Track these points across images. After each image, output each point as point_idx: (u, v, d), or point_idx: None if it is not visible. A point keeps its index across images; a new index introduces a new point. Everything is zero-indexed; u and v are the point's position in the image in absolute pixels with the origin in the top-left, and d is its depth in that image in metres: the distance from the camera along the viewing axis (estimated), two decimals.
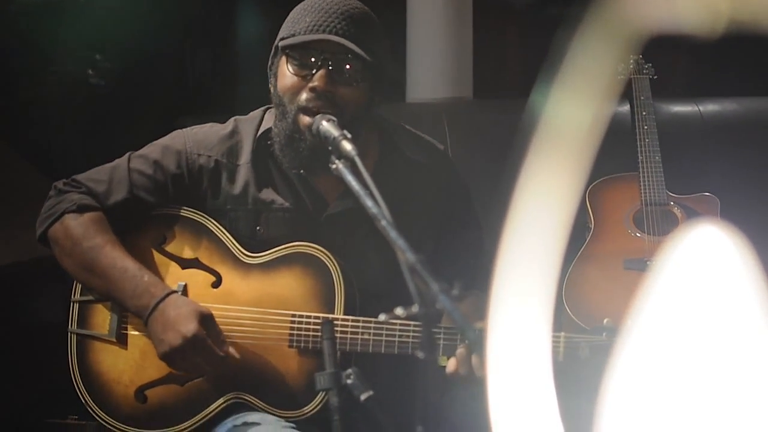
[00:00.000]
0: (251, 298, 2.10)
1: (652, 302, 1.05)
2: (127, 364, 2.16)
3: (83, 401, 2.18)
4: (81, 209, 2.15)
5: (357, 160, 1.78)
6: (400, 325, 1.99)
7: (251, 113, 2.24)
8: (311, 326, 2.04)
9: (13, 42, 4.64)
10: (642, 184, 2.93)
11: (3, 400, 3.36)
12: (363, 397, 1.68)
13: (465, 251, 2.24)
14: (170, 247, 2.17)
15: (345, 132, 1.88)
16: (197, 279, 2.14)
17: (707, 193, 2.96)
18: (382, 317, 1.72)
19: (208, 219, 2.17)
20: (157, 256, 2.17)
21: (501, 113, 3.25)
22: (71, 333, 2.20)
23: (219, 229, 2.15)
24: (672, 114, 3.22)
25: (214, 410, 2.11)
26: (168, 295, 2.08)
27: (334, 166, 1.82)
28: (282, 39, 2.08)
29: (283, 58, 2.07)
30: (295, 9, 2.10)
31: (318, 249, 2.08)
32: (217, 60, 5.29)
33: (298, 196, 2.16)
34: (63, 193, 2.18)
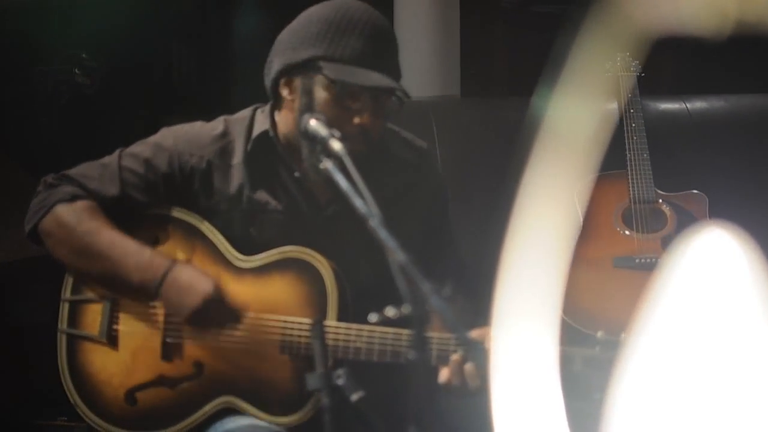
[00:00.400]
0: (243, 302, 2.09)
1: (662, 306, 1.05)
2: (118, 365, 2.15)
3: (72, 402, 2.17)
4: (73, 198, 2.13)
5: (347, 159, 1.77)
6: (393, 333, 1.98)
7: (240, 113, 2.22)
8: (302, 332, 2.03)
9: None
10: (630, 181, 2.93)
11: None
12: (354, 397, 1.68)
13: (440, 251, 2.24)
14: (163, 248, 2.15)
15: (333, 131, 1.86)
16: None
17: (695, 191, 2.97)
18: (373, 317, 1.71)
19: (201, 221, 2.15)
20: None
21: (488, 111, 3.24)
22: (61, 332, 2.19)
23: (212, 231, 2.14)
24: (660, 111, 3.22)
25: (204, 414, 2.10)
26: (175, 263, 2.08)
27: (322, 166, 1.81)
28: (322, 59, 2.02)
29: (323, 82, 2.02)
30: (325, 15, 2.06)
31: (311, 255, 2.06)
32: (202, 61, 5.28)
33: (292, 198, 2.14)
34: (53, 187, 2.16)
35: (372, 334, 1.99)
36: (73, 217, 2.12)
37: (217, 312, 2.06)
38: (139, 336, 2.15)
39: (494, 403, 1.12)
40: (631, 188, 2.92)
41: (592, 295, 2.72)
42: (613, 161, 3.03)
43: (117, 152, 2.20)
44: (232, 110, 2.28)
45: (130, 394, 2.14)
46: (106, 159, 2.20)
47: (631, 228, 2.85)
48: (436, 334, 1.95)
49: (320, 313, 2.04)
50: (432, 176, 2.27)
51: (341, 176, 1.75)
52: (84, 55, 3.78)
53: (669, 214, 2.88)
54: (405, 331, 1.96)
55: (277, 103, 2.14)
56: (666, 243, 2.81)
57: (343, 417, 1.65)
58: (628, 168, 2.96)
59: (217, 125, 2.20)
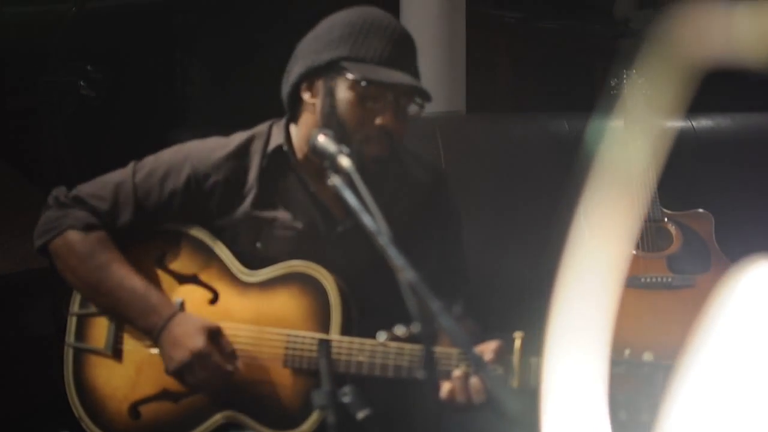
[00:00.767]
0: (248, 316, 2.09)
1: (715, 335, 1.04)
2: (122, 379, 2.15)
3: (77, 416, 2.17)
4: (87, 228, 2.13)
5: (356, 176, 1.77)
6: (396, 348, 1.97)
7: (256, 128, 2.22)
8: (306, 346, 2.03)
9: (4, 50, 4.63)
10: (635, 199, 2.92)
11: None
12: (360, 415, 1.68)
13: (449, 276, 2.23)
14: (169, 263, 2.16)
15: (342, 147, 1.87)
16: (195, 295, 2.13)
17: (701, 210, 2.96)
18: (381, 336, 1.71)
19: (208, 236, 2.16)
20: (156, 272, 2.16)
21: (494, 127, 3.24)
22: (68, 346, 2.18)
23: (219, 246, 2.14)
24: (665, 129, 3.21)
25: (206, 428, 2.10)
26: (175, 313, 2.08)
27: (331, 182, 1.81)
28: (346, 59, 2.05)
29: (347, 82, 2.04)
30: (348, 19, 2.09)
31: (316, 269, 2.06)
32: (206, 72, 5.28)
33: (306, 213, 2.14)
34: (65, 207, 2.16)
35: (374, 348, 1.99)
36: (85, 248, 2.13)
37: (202, 368, 2.05)
38: (143, 350, 2.15)
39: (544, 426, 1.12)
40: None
41: None
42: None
43: (131, 167, 2.19)
44: (238, 123, 2.29)
45: (134, 407, 2.14)
46: (119, 176, 2.19)
47: (636, 247, 2.85)
48: (439, 349, 1.95)
49: (324, 328, 2.04)
50: (447, 199, 2.28)
51: (350, 192, 1.75)
52: (89, 68, 3.78)
53: (674, 233, 2.87)
54: (407, 346, 1.96)
55: (293, 114, 2.15)
56: (671, 262, 2.80)
57: None
58: (634, 186, 2.94)
59: (233, 140, 2.20)
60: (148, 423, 2.13)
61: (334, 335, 2.03)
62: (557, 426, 1.11)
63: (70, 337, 2.20)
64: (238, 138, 2.20)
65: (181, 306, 2.12)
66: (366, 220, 1.66)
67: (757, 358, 1.04)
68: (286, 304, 2.08)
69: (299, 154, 2.15)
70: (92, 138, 4.45)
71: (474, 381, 1.92)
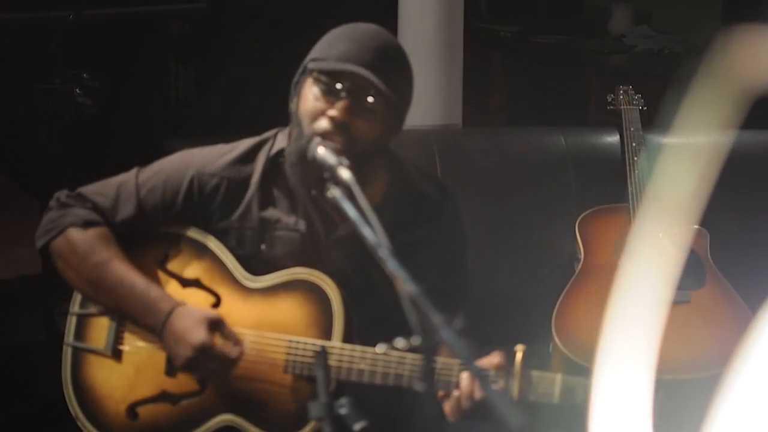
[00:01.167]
0: (250, 322, 2.10)
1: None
2: (121, 380, 2.15)
3: (74, 415, 2.17)
4: (86, 225, 2.13)
5: (356, 188, 1.77)
6: (397, 357, 1.98)
7: (264, 135, 2.23)
8: (308, 353, 2.04)
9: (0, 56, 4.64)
10: (632, 215, 2.93)
11: None
12: (357, 427, 1.67)
13: (451, 293, 2.23)
14: (172, 266, 2.16)
15: (342, 159, 1.87)
16: (197, 299, 2.14)
17: (696, 226, 2.97)
18: (381, 347, 1.71)
19: (211, 240, 2.16)
20: (159, 275, 2.16)
21: (491, 141, 3.25)
22: (67, 345, 2.18)
23: (222, 250, 2.15)
24: (662, 146, 3.22)
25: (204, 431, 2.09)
26: (174, 308, 2.08)
27: (330, 194, 1.81)
28: (312, 60, 2.07)
29: (309, 80, 2.06)
30: (330, 32, 2.10)
31: (320, 277, 2.07)
32: (201, 81, 5.29)
33: (307, 217, 2.15)
34: (66, 207, 2.16)
35: (376, 356, 1.99)
36: (85, 245, 2.13)
37: (207, 360, 2.05)
38: (143, 351, 2.15)
39: None
40: (633, 222, 2.92)
41: (592, 327, 2.71)
42: (615, 194, 3.03)
43: (134, 170, 2.20)
44: (236, 131, 2.30)
45: (132, 408, 2.14)
46: (123, 177, 2.20)
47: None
48: (440, 360, 1.95)
49: (326, 335, 2.04)
50: (454, 217, 2.28)
51: (349, 204, 1.76)
52: (85, 75, 3.78)
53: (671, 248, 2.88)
54: (409, 355, 1.97)
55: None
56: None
57: None
58: (630, 201, 2.96)
59: (239, 146, 2.21)
60: (145, 424, 2.13)
61: (336, 343, 2.03)
62: None
63: (70, 337, 2.19)
64: (245, 144, 2.22)
65: None
66: (366, 232, 1.66)
67: None
68: (289, 311, 2.08)
69: None
70: (87, 145, 4.45)
71: (478, 394, 1.92)
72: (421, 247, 2.13)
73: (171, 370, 2.13)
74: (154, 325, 2.09)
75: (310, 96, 2.05)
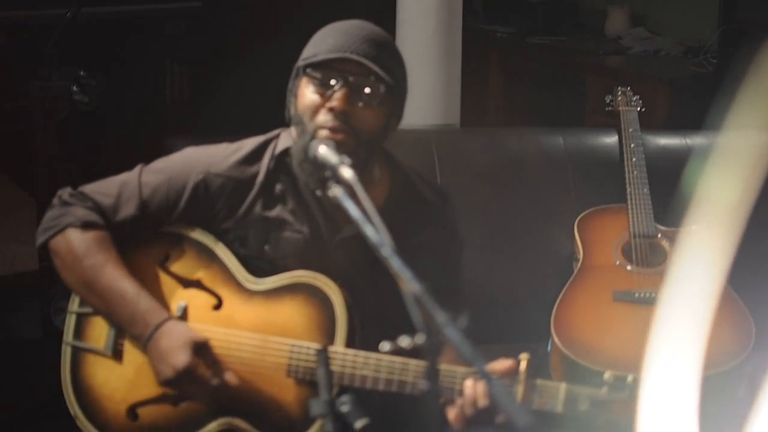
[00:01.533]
0: (252, 324, 2.09)
1: None
2: (121, 380, 2.14)
3: (73, 415, 2.16)
4: (86, 226, 2.12)
5: (358, 187, 1.76)
6: (401, 362, 1.98)
7: (269, 134, 2.23)
8: (310, 357, 2.03)
9: None
10: (630, 215, 2.94)
11: None
12: (358, 425, 1.68)
13: (447, 295, 2.23)
14: (173, 267, 2.15)
15: (344, 158, 1.87)
16: (198, 300, 2.13)
17: (695, 227, 2.97)
18: (385, 346, 1.71)
19: (213, 241, 2.15)
20: (160, 275, 2.15)
21: (490, 142, 3.25)
22: (66, 344, 2.17)
23: (224, 251, 2.14)
24: (660, 147, 3.23)
25: None
26: (162, 323, 2.06)
27: (332, 193, 1.81)
28: (304, 59, 2.07)
29: (304, 78, 2.06)
30: (318, 32, 2.10)
31: (322, 281, 2.06)
32: (196, 80, 5.29)
33: (311, 218, 2.14)
34: (68, 206, 2.15)
35: (379, 362, 1.99)
36: (83, 246, 2.11)
37: (188, 383, 2.05)
38: (144, 352, 2.13)
39: None
40: (631, 222, 2.92)
41: (591, 328, 2.71)
42: (613, 195, 3.04)
43: (138, 168, 2.19)
44: (232, 131, 2.30)
45: (132, 409, 2.13)
46: (126, 175, 2.19)
47: (631, 262, 2.86)
48: (443, 367, 1.95)
49: (328, 339, 2.04)
50: (451, 223, 2.28)
51: (351, 203, 1.75)
52: (82, 73, 3.77)
53: (669, 249, 2.89)
54: (413, 361, 1.96)
55: None
56: (666, 278, 2.81)
57: None
58: (629, 202, 2.96)
59: (245, 145, 2.20)
60: (145, 425, 2.12)
61: (339, 348, 2.02)
62: None
63: (69, 336, 2.18)
64: (250, 143, 2.20)
65: (185, 310, 2.12)
66: (369, 231, 1.65)
67: None
68: (291, 314, 2.08)
69: None
70: (84, 143, 4.44)
71: (479, 400, 1.92)
72: (421, 252, 2.13)
73: None
74: (139, 336, 2.08)
75: (307, 93, 2.04)
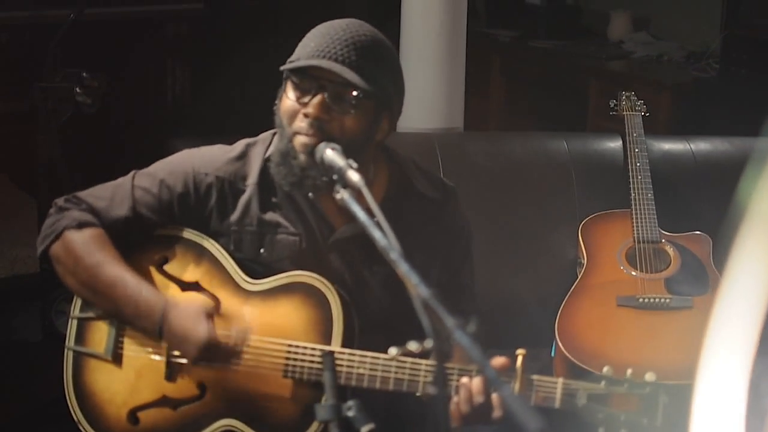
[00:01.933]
0: (249, 325, 2.08)
1: None
2: (122, 384, 2.13)
3: (75, 420, 2.16)
4: (81, 226, 2.12)
5: (365, 190, 1.76)
6: (397, 362, 1.97)
7: (260, 135, 2.22)
8: (307, 357, 2.02)
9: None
10: (634, 221, 2.93)
11: None
12: (364, 430, 1.67)
13: (458, 293, 2.23)
14: (171, 269, 2.15)
15: (350, 161, 1.86)
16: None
17: (698, 232, 2.97)
18: (393, 351, 1.70)
19: (210, 242, 2.15)
20: (157, 277, 2.14)
21: (493, 146, 3.25)
22: (68, 350, 2.17)
23: (221, 252, 2.13)
24: (664, 152, 3.23)
25: None
26: (165, 308, 2.06)
27: (339, 196, 1.80)
28: (288, 62, 2.06)
29: (288, 83, 2.05)
30: (307, 34, 2.09)
31: (319, 280, 2.06)
32: (198, 81, 5.29)
33: (304, 220, 2.14)
34: (63, 211, 2.15)
35: (375, 360, 1.98)
36: (80, 246, 2.11)
37: (217, 352, 2.05)
38: (144, 355, 2.13)
39: None
40: (635, 227, 2.92)
41: (595, 333, 2.71)
42: (617, 200, 3.04)
43: (132, 173, 2.19)
44: (233, 132, 2.29)
45: (133, 413, 2.13)
46: (120, 179, 2.19)
47: (635, 267, 2.86)
48: (448, 365, 1.95)
49: (325, 339, 2.03)
50: (456, 216, 2.26)
51: (358, 207, 1.75)
52: (85, 74, 3.78)
53: (673, 254, 2.88)
54: (409, 359, 1.96)
55: None
56: (669, 283, 2.81)
57: None
58: (633, 207, 2.96)
59: (236, 147, 2.20)
60: (146, 429, 2.12)
61: (336, 347, 2.02)
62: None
63: (70, 341, 2.17)
64: (241, 144, 2.20)
65: None
66: (376, 234, 1.65)
67: None
68: (288, 314, 2.07)
69: None
70: (86, 144, 4.44)
71: (495, 397, 1.91)
72: (423, 250, 2.13)
73: (171, 374, 2.12)
74: (151, 328, 2.07)
75: (287, 98, 2.04)
